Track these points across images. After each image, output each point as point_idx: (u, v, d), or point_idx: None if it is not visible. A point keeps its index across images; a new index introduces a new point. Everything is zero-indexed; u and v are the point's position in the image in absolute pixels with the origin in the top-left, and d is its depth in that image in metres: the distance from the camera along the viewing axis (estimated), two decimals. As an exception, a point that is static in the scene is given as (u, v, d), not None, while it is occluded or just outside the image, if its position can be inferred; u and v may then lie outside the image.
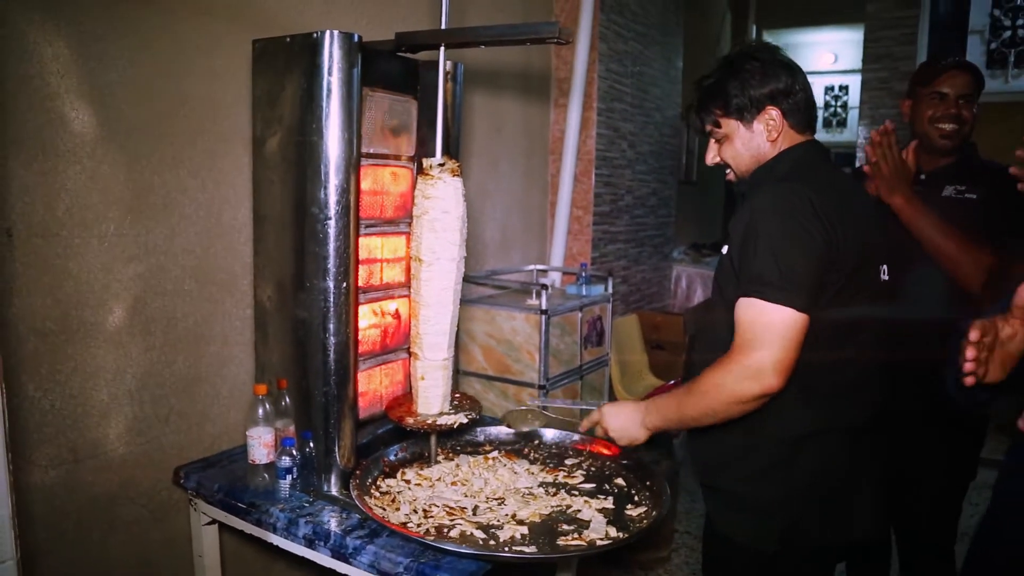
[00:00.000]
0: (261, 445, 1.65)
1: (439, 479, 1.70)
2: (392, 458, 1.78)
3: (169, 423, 1.84)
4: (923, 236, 1.83)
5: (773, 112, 1.49)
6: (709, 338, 1.55)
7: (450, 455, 1.84)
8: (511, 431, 1.98)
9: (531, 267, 3.55)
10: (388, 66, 1.82)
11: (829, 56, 8.32)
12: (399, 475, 1.71)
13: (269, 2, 2.04)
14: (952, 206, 1.94)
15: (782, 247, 1.32)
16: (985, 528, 1.31)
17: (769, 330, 1.31)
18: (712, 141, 1.59)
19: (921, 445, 2.04)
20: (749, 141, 1.53)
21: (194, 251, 1.87)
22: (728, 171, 1.60)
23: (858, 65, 4.95)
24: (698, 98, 1.59)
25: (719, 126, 1.55)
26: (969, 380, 1.03)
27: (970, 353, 1.03)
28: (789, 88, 1.50)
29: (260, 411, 1.66)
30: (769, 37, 7.95)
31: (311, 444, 1.65)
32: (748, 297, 1.34)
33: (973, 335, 1.03)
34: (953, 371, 1.13)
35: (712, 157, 1.61)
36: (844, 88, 8.31)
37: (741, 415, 1.37)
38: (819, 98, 8.52)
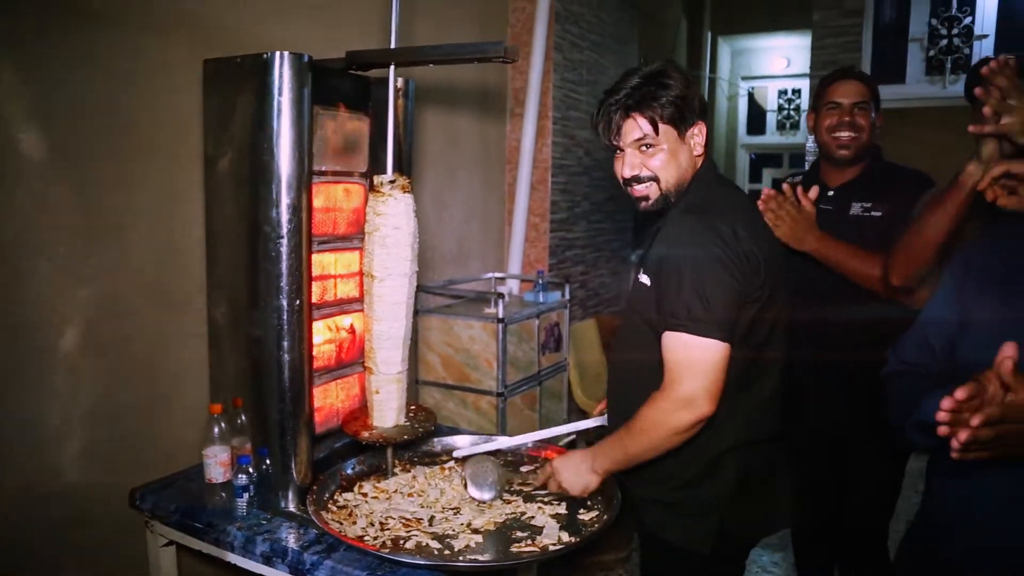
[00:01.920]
0: (217, 464, 1.66)
1: (396, 491, 1.72)
2: (349, 472, 1.80)
3: (124, 445, 1.84)
4: (845, 269, 1.92)
5: (702, 127, 1.53)
6: (626, 342, 1.65)
7: (407, 466, 1.87)
8: (468, 441, 2.02)
9: (488, 275, 3.59)
10: (339, 84, 1.84)
11: (782, 61, 8.53)
12: (356, 488, 1.73)
13: (221, 20, 2.05)
14: (859, 224, 2.02)
15: (707, 283, 1.38)
16: (918, 527, 1.38)
17: (698, 362, 1.39)
18: (631, 150, 1.52)
19: (854, 445, 2.12)
20: (679, 154, 1.51)
21: (147, 271, 1.87)
22: (642, 187, 1.53)
23: (809, 69, 5.10)
24: (638, 97, 1.48)
25: (656, 132, 1.48)
26: (941, 430, 1.03)
27: (944, 411, 1.02)
28: (706, 106, 1.55)
29: (216, 430, 1.67)
30: (724, 43, 8.13)
31: (268, 461, 1.67)
32: (676, 332, 1.40)
33: (960, 394, 1.00)
34: (902, 414, 1.20)
35: (635, 167, 1.52)
36: (796, 91, 8.52)
37: (680, 444, 1.45)
38: (772, 101, 8.73)
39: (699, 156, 1.55)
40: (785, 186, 2.04)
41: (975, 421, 0.91)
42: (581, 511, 1.67)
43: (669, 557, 1.59)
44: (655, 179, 1.52)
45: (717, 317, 1.38)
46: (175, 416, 1.95)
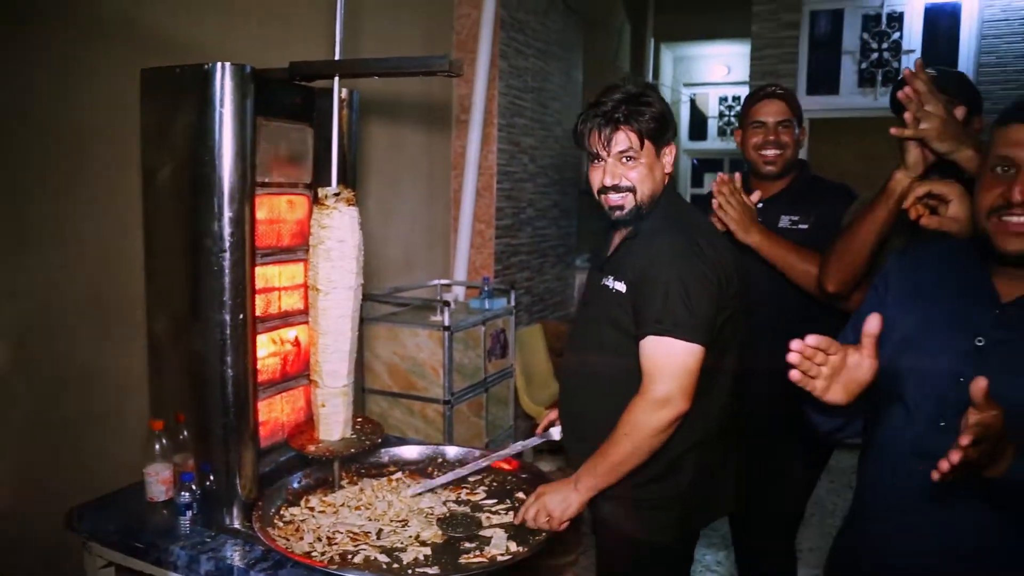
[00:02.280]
0: (159, 482, 1.63)
1: (343, 504, 1.72)
2: (295, 486, 1.78)
3: (60, 464, 1.79)
4: (784, 264, 1.98)
5: (673, 148, 1.66)
6: (587, 346, 1.72)
7: (354, 479, 1.87)
8: (415, 452, 2.03)
9: (434, 282, 3.59)
10: (283, 94, 1.82)
11: (723, 68, 8.73)
12: (303, 503, 1.72)
13: (161, 28, 2.01)
14: (787, 236, 2.07)
15: (691, 291, 1.51)
16: (847, 521, 1.45)
17: (678, 364, 1.51)
18: (614, 160, 1.60)
19: (778, 440, 2.17)
20: (655, 170, 1.62)
21: (83, 284, 1.82)
22: (619, 197, 1.61)
23: (748, 78, 5.25)
24: (626, 111, 1.57)
25: (641, 146, 1.58)
26: (793, 374, 1.15)
27: (794, 351, 1.14)
28: (676, 129, 1.67)
29: (157, 447, 1.64)
30: (667, 50, 8.29)
31: (211, 477, 1.65)
32: (660, 336, 1.51)
33: (810, 340, 1.14)
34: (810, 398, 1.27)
35: (616, 177, 1.60)
36: (737, 99, 8.73)
37: (660, 444, 1.53)
38: (714, 108, 8.94)
39: (667, 174, 1.66)
40: (736, 175, 2.09)
41: (964, 440, 0.94)
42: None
43: (631, 550, 1.67)
44: (632, 190, 1.61)
45: (698, 323, 1.51)
46: (113, 433, 1.90)
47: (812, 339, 1.14)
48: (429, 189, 3.62)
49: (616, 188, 1.61)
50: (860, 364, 1.17)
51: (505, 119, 3.95)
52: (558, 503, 1.60)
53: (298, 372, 1.91)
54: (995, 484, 1.02)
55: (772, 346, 1.96)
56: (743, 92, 8.48)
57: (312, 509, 1.69)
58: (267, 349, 1.82)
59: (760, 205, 2.16)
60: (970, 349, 1.16)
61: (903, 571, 1.24)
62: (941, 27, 4.92)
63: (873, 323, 1.15)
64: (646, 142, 1.58)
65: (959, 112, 1.53)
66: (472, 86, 3.68)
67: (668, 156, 1.65)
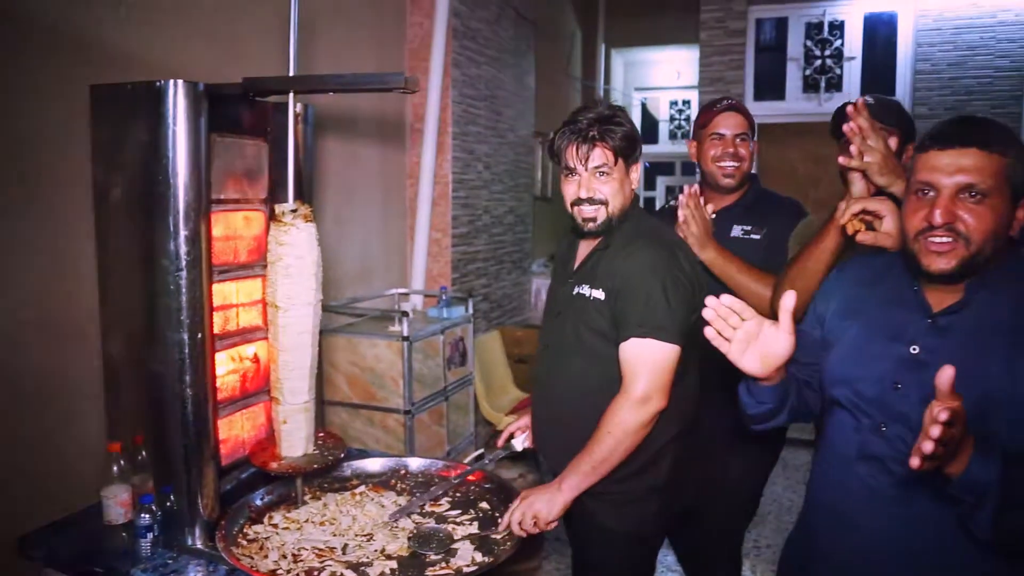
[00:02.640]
0: (117, 505, 1.60)
1: (307, 520, 1.72)
2: (258, 503, 1.77)
3: (11, 489, 1.74)
4: (735, 284, 2.01)
5: (639, 166, 1.78)
6: (561, 350, 1.81)
7: (317, 494, 1.86)
8: (378, 464, 2.03)
9: (392, 291, 3.59)
10: (237, 110, 1.81)
11: (673, 73, 8.88)
12: (266, 520, 1.72)
13: (112, 44, 1.98)
14: (740, 246, 2.13)
15: (670, 296, 1.64)
16: (800, 516, 1.51)
17: (657, 364, 1.64)
18: (588, 174, 1.70)
19: (729, 442, 2.21)
20: (625, 185, 1.74)
21: (35, 303, 1.79)
22: (592, 209, 1.71)
23: (698, 84, 5.37)
24: (601, 129, 1.68)
25: (615, 163, 1.70)
26: (707, 331, 1.25)
27: (709, 307, 1.23)
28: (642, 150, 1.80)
29: (115, 469, 1.62)
30: (617, 55, 8.39)
31: (172, 498, 1.63)
32: (642, 338, 1.63)
33: (724, 299, 1.24)
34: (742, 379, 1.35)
35: (591, 190, 1.70)
36: (687, 103, 8.90)
37: (641, 440, 1.64)
38: (665, 111, 9.09)
39: (633, 190, 1.78)
40: (695, 187, 2.13)
41: (942, 416, 0.97)
42: (493, 529, 1.71)
43: (611, 542, 1.76)
44: (605, 203, 1.72)
45: (676, 326, 1.64)
46: (68, 455, 1.87)
47: (726, 298, 1.23)
48: (384, 198, 3.61)
49: (591, 200, 1.72)
50: (776, 337, 1.23)
51: (459, 127, 3.97)
52: (544, 504, 1.66)
53: (258, 388, 1.91)
54: (956, 481, 1.06)
55: (722, 359, 2.03)
56: (693, 96, 8.64)
57: (276, 526, 1.69)
58: (226, 367, 1.81)
59: (714, 216, 2.21)
60: (906, 357, 1.23)
61: (850, 569, 1.30)
62: (879, 36, 5.11)
63: (788, 300, 1.21)
64: (619, 159, 1.70)
65: (893, 141, 1.62)
66: (426, 95, 3.69)
67: (636, 173, 1.77)
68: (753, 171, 2.27)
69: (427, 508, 1.82)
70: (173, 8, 2.22)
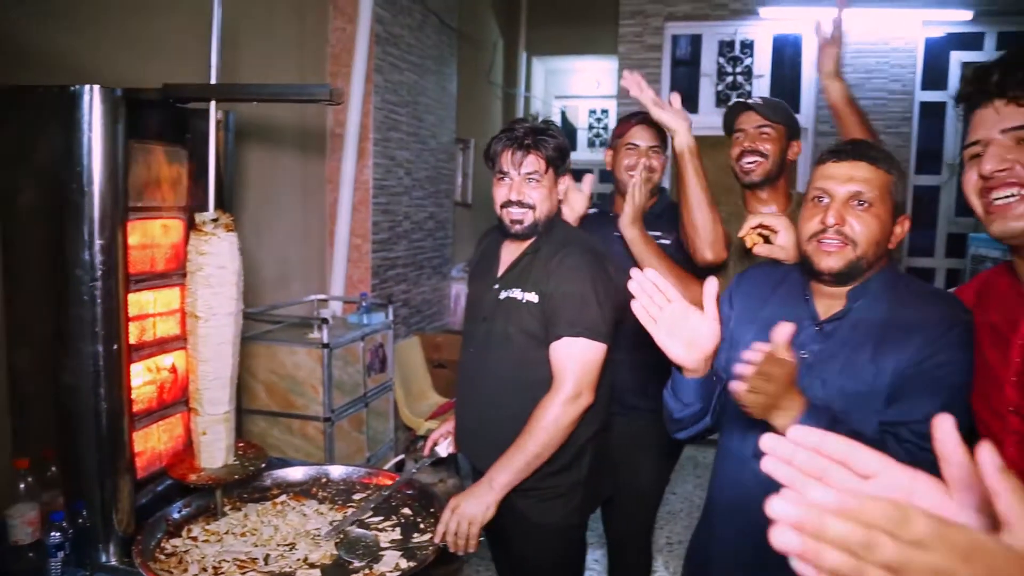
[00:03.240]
0: (24, 524, 1.55)
1: (227, 532, 1.70)
2: (176, 516, 1.74)
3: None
4: (647, 264, 2.06)
5: (567, 178, 1.90)
6: (487, 353, 1.89)
7: (238, 504, 1.85)
8: (299, 473, 2.03)
9: (311, 297, 3.56)
10: (155, 116, 1.78)
11: (593, 82, 9.07)
12: (185, 533, 1.69)
13: (23, 44, 1.90)
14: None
15: (600, 298, 1.75)
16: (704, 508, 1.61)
17: (588, 362, 1.75)
18: (520, 179, 1.81)
19: (636, 434, 2.32)
20: (552, 194, 1.86)
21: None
22: (520, 212, 1.82)
23: (616, 92, 5.54)
24: (535, 139, 1.81)
25: (545, 171, 1.82)
26: (634, 306, 1.32)
27: (635, 280, 1.32)
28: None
29: (21, 486, 1.56)
30: (538, 64, 8.51)
31: (85, 514, 1.59)
32: (574, 337, 1.73)
33: (649, 274, 1.33)
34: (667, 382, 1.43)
35: (521, 194, 1.81)
36: (605, 111, 9.10)
37: (568, 435, 1.74)
38: (584, 120, 9.27)
39: (559, 200, 1.90)
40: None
41: (749, 355, 1.14)
42: (415, 535, 1.74)
43: (539, 537, 1.86)
44: (533, 208, 1.83)
45: (606, 327, 1.76)
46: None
47: (651, 273, 1.30)
48: (304, 204, 3.58)
49: (520, 204, 1.82)
50: (701, 324, 1.29)
51: (380, 133, 3.97)
52: (476, 507, 1.72)
53: (176, 399, 1.87)
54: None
55: (632, 349, 2.14)
56: (612, 105, 8.86)
57: (195, 539, 1.67)
58: (142, 378, 1.77)
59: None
60: (797, 361, 1.34)
61: (747, 562, 1.40)
62: (787, 56, 5.40)
63: (711, 286, 1.29)
64: (549, 168, 1.83)
65: (781, 131, 2.00)
66: (347, 101, 3.68)
67: (562, 184, 1.89)
68: (663, 184, 2.40)
69: (348, 516, 1.83)
70: (90, 10, 2.15)
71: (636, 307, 1.30)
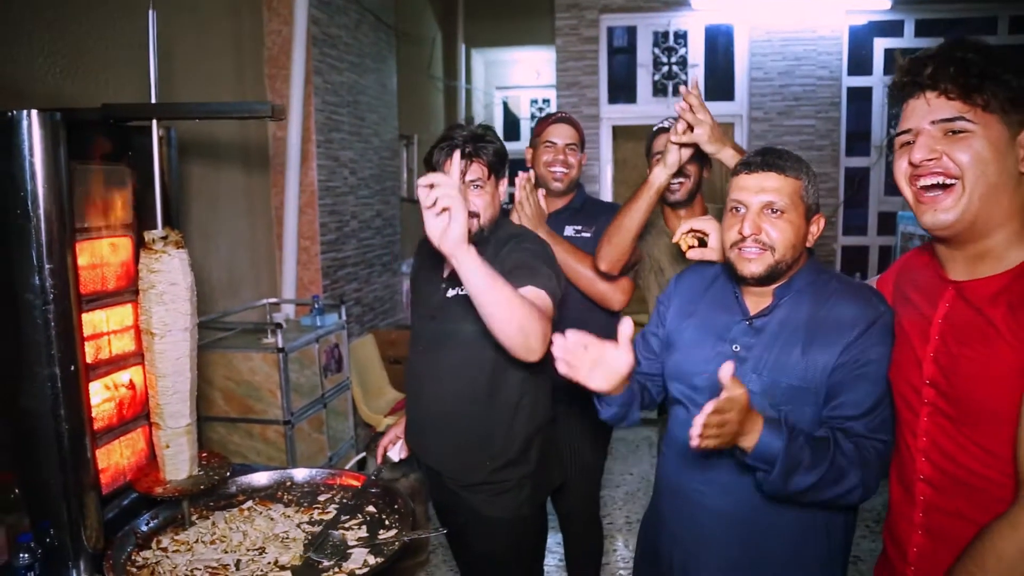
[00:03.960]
0: (-8, 547, 1.57)
1: (197, 541, 1.74)
2: (144, 528, 1.77)
3: None
4: (562, 261, 2.17)
5: (506, 181, 1.95)
6: (444, 355, 1.93)
7: (205, 513, 1.88)
8: (264, 478, 2.06)
9: (263, 302, 3.57)
10: (97, 136, 1.79)
11: (533, 72, 9.13)
12: (154, 544, 1.72)
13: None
14: (572, 243, 2.35)
15: (554, 272, 1.81)
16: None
17: (547, 310, 1.73)
18: (464, 188, 1.82)
19: (575, 420, 2.43)
20: (495, 199, 1.92)
21: None
22: (468, 221, 1.83)
23: (555, 84, 5.62)
24: (476, 146, 1.84)
25: (488, 177, 1.86)
26: (559, 366, 1.40)
27: (557, 346, 1.39)
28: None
29: (-14, 510, 1.58)
30: (478, 55, 8.54)
31: (52, 533, 1.61)
32: (537, 288, 1.73)
33: (570, 336, 1.39)
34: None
35: (467, 203, 1.81)
36: (547, 101, 9.18)
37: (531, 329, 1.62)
38: (526, 109, 9.34)
39: (500, 203, 1.96)
40: (531, 173, 2.34)
41: (702, 416, 1.19)
42: (381, 531, 1.81)
43: (492, 529, 1.92)
44: (477, 215, 1.86)
45: (557, 298, 1.78)
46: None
47: (571, 334, 1.39)
48: (250, 209, 3.58)
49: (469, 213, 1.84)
50: (617, 356, 1.40)
51: (323, 135, 3.98)
52: None
53: (136, 414, 1.90)
54: (751, 454, 1.29)
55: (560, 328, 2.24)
56: (553, 95, 8.96)
57: (165, 550, 1.70)
58: (101, 396, 1.79)
59: (547, 219, 2.41)
60: (729, 354, 1.45)
61: (689, 538, 1.52)
62: (719, 46, 5.56)
63: (625, 327, 1.39)
64: (491, 175, 1.87)
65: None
66: (287, 102, 3.68)
67: (502, 187, 1.94)
68: (580, 180, 2.52)
69: (316, 516, 1.89)
70: (22, 33, 2.13)
71: (559, 365, 1.40)
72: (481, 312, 1.58)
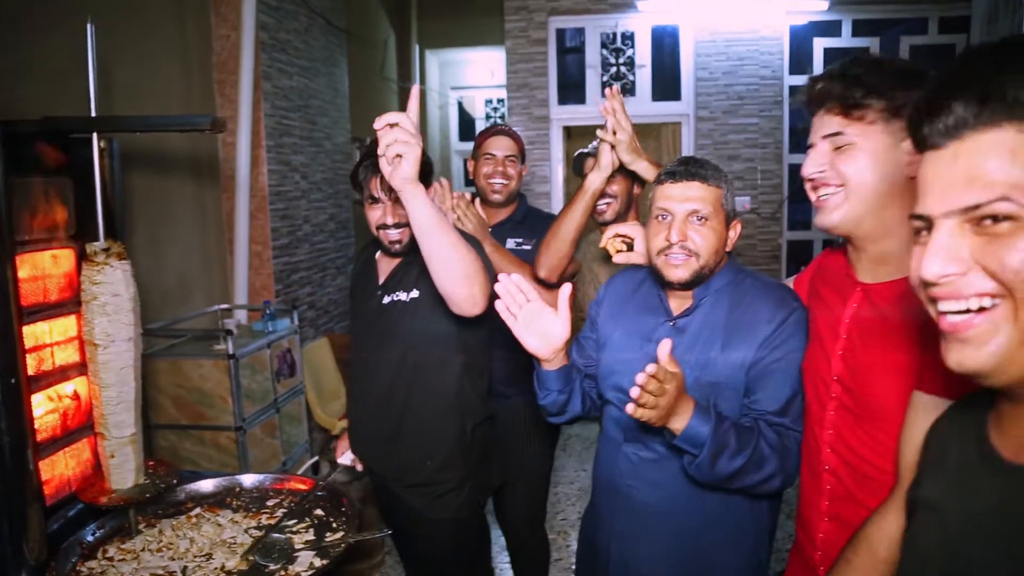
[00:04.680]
0: (-67, 561, 1.57)
1: (143, 549, 1.75)
2: (89, 539, 1.78)
3: None
4: (503, 271, 2.24)
5: (434, 188, 2.03)
6: (389, 363, 1.96)
7: (152, 521, 1.89)
8: (212, 484, 2.08)
9: (214, 308, 3.56)
10: (36, 148, 1.79)
11: (487, 72, 9.18)
12: (100, 554, 1.73)
13: None
14: (514, 255, 2.40)
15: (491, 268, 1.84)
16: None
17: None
18: (391, 202, 1.88)
19: (515, 420, 2.49)
20: None
21: None
22: (397, 233, 1.91)
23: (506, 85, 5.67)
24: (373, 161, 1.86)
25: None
26: (498, 304, 1.50)
27: (500, 282, 1.50)
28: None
29: (-74, 525, 1.57)
30: (432, 56, 8.55)
31: (-6, 546, 1.62)
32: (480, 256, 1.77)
33: (514, 277, 1.52)
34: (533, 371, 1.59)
35: (396, 216, 1.89)
36: (501, 101, 9.23)
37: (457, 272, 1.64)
38: (481, 109, 9.39)
39: None
40: (467, 193, 2.39)
41: (642, 375, 1.27)
42: (328, 534, 1.84)
43: (434, 530, 1.96)
44: (408, 225, 1.82)
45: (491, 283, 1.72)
46: None
47: (516, 277, 1.48)
48: (200, 214, 3.57)
49: (396, 225, 1.90)
50: (554, 321, 1.49)
51: (273, 140, 3.98)
52: None
53: (80, 424, 1.90)
54: (680, 436, 1.36)
55: (502, 345, 2.30)
56: (506, 95, 9.01)
57: (111, 559, 1.71)
58: (44, 407, 1.80)
59: (489, 230, 2.46)
60: (654, 354, 1.52)
61: (623, 530, 1.59)
62: (666, 46, 5.67)
63: (565, 291, 1.47)
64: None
65: (624, 172, 2.06)
66: (237, 108, 3.67)
67: (428, 195, 1.94)
68: (522, 191, 2.57)
69: (264, 521, 1.92)
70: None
71: (499, 305, 1.49)
72: (428, 257, 1.61)
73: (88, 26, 1.65)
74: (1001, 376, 0.67)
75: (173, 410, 2.99)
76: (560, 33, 5.68)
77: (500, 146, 2.44)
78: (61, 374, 1.86)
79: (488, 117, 9.30)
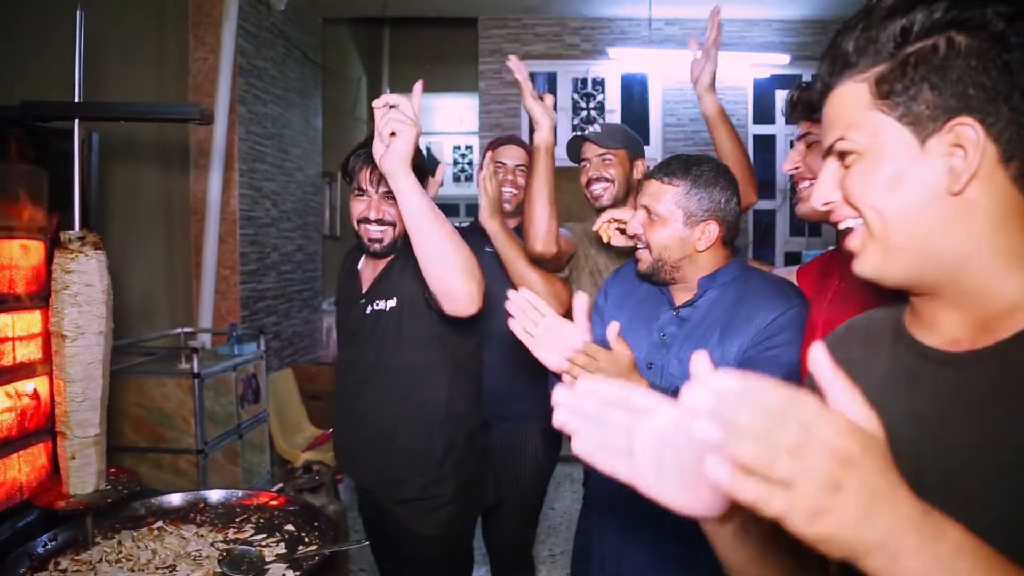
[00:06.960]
0: None
1: (100, 560, 1.63)
2: (40, 550, 1.65)
3: None
4: (507, 256, 2.15)
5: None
6: (376, 372, 1.88)
7: (110, 533, 1.78)
8: (176, 499, 1.97)
9: (178, 330, 3.45)
10: (10, 135, 1.73)
11: (456, 119, 9.30)
12: (51, 566, 1.61)
13: None
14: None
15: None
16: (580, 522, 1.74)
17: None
18: (378, 197, 1.83)
19: (511, 443, 2.42)
20: None
21: None
22: (379, 230, 1.84)
23: (478, 130, 5.73)
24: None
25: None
26: (511, 323, 1.44)
27: (511, 298, 1.44)
28: None
29: None
30: (401, 100, 8.63)
31: (-63, 551, 1.49)
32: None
33: (524, 293, 1.46)
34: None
35: (380, 212, 1.83)
36: (469, 147, 9.34)
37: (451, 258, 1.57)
38: (448, 155, 9.47)
39: None
40: (489, 155, 2.37)
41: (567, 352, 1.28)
42: (300, 548, 1.75)
43: (422, 546, 1.88)
44: (392, 225, 1.83)
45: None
46: None
47: (525, 292, 1.42)
48: (168, 234, 3.48)
49: (380, 221, 1.83)
50: (574, 337, 1.41)
51: (246, 164, 3.93)
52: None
53: (39, 426, 1.79)
54: None
55: (501, 363, 2.24)
56: (475, 141, 9.12)
57: (64, 571, 1.59)
58: (2, 404, 1.69)
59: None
60: (656, 341, 1.50)
61: (615, 532, 1.54)
62: (635, 93, 5.82)
63: (580, 300, 1.42)
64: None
65: (623, 155, 2.11)
66: (211, 130, 3.63)
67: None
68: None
69: (231, 536, 1.81)
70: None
71: (513, 325, 1.41)
72: (420, 249, 1.53)
73: (78, 12, 1.62)
74: (888, 280, 0.77)
75: (131, 431, 2.85)
76: (533, 76, 5.79)
77: (510, 155, 2.41)
78: (21, 371, 1.76)
79: (456, 163, 9.38)
